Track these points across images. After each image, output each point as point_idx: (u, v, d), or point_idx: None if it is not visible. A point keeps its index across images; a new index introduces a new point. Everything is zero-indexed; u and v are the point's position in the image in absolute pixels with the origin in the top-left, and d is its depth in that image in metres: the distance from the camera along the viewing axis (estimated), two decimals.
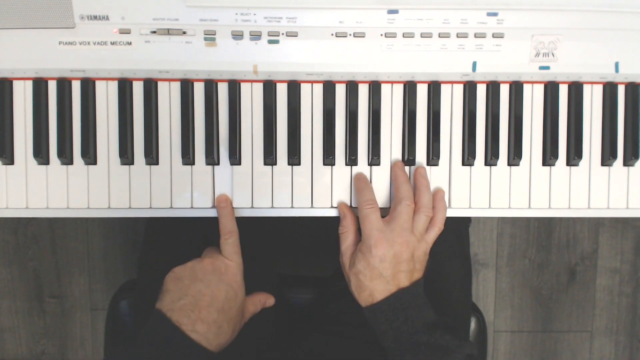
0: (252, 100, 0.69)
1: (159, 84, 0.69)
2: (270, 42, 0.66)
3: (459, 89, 0.70)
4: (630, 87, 0.71)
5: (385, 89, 0.70)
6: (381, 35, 0.66)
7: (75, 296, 1.47)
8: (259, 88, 0.69)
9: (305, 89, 0.69)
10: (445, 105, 0.70)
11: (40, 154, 0.68)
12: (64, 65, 0.66)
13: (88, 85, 0.68)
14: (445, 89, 0.70)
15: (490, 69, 0.68)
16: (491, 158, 0.70)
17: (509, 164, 0.71)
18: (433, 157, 0.70)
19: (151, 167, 0.69)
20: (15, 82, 0.68)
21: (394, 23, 0.65)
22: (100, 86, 0.68)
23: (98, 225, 1.46)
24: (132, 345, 0.60)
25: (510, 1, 0.65)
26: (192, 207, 0.69)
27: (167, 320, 0.59)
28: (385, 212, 0.67)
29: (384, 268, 0.62)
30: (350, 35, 0.66)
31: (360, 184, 0.68)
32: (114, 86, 0.68)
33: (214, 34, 0.65)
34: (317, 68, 0.67)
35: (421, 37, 0.66)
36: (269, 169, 0.70)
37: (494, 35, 0.66)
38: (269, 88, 0.69)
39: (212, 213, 0.69)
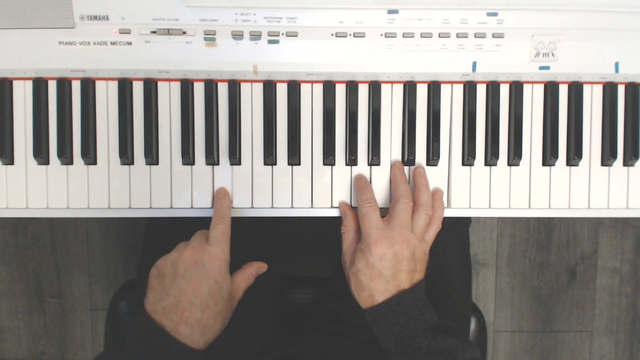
0: (252, 100, 0.69)
1: (159, 84, 0.69)
2: (270, 42, 0.66)
3: (459, 89, 0.70)
4: (630, 87, 0.71)
5: (385, 89, 0.70)
6: (381, 35, 0.66)
7: (75, 296, 1.47)
8: (259, 88, 0.69)
9: (305, 89, 0.70)
10: (445, 105, 0.70)
11: (40, 154, 0.68)
12: (64, 65, 0.66)
13: (88, 85, 0.68)
14: (445, 89, 0.70)
15: (490, 69, 0.68)
16: (491, 158, 0.70)
17: (509, 164, 0.71)
18: (433, 157, 0.70)
19: (151, 167, 0.69)
20: (15, 82, 0.68)
21: (394, 23, 0.65)
22: (100, 86, 0.68)
23: (98, 225, 1.46)
24: (120, 347, 0.59)
25: (510, 1, 0.65)
26: (192, 207, 0.69)
27: (152, 321, 0.58)
28: (385, 213, 0.67)
29: (384, 267, 0.62)
30: (350, 35, 0.66)
31: (359, 184, 0.68)
32: (114, 86, 0.68)
33: (214, 34, 0.65)
34: (317, 68, 0.67)
35: (421, 37, 0.66)
36: (269, 169, 0.70)
37: (494, 35, 0.66)
38: (269, 88, 0.69)
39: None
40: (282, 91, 0.69)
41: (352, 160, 0.69)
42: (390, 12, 0.65)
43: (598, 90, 0.71)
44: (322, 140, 0.70)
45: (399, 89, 0.70)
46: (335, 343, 0.76)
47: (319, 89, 0.70)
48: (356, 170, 0.70)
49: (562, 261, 1.51)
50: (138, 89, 0.69)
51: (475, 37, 0.66)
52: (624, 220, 1.50)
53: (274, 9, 0.64)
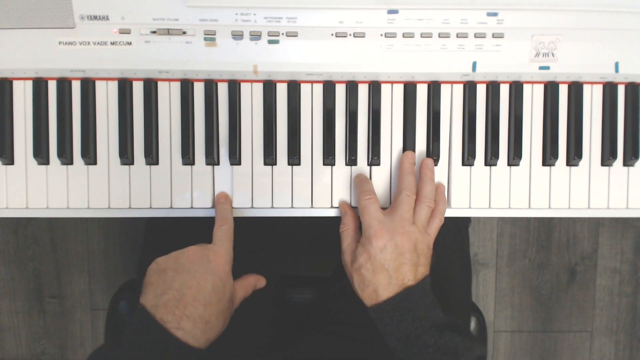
0: (252, 100, 0.69)
1: (159, 84, 0.69)
2: (270, 42, 0.66)
3: (459, 89, 0.70)
4: (630, 87, 0.71)
5: (385, 89, 0.70)
6: (381, 35, 0.66)
7: (75, 296, 1.47)
8: (259, 88, 0.69)
9: (305, 89, 0.70)
10: (445, 105, 0.70)
11: (40, 154, 0.68)
12: (64, 65, 0.66)
13: (88, 85, 0.68)
14: (445, 89, 0.70)
15: (490, 69, 0.68)
16: (491, 158, 0.70)
17: (509, 164, 0.71)
18: (433, 157, 0.70)
19: (151, 167, 0.69)
20: (15, 82, 0.68)
21: (394, 23, 0.65)
22: (100, 86, 0.68)
23: (98, 225, 1.46)
24: (117, 345, 0.57)
25: (510, 1, 0.65)
26: (192, 207, 0.69)
27: (150, 318, 0.56)
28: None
29: (386, 259, 0.61)
30: (350, 35, 0.66)
31: (358, 179, 0.68)
32: (114, 86, 0.68)
33: (214, 34, 0.65)
34: (317, 68, 0.67)
35: (421, 37, 0.66)
36: (269, 169, 0.70)
37: (494, 35, 0.66)
38: (269, 88, 0.69)
39: (212, 213, 0.69)
40: (282, 91, 0.69)
41: (352, 160, 0.69)
42: (390, 12, 0.65)
43: (598, 90, 0.71)
44: (322, 140, 0.70)
45: (399, 89, 0.70)
46: (335, 343, 0.76)
47: (319, 89, 0.70)
48: (356, 170, 0.70)
49: (562, 261, 1.51)
50: (138, 89, 0.69)
51: (475, 37, 0.66)
52: (624, 220, 1.50)
53: (274, 9, 0.64)
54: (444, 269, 0.78)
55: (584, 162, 0.71)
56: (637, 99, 0.71)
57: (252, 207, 0.70)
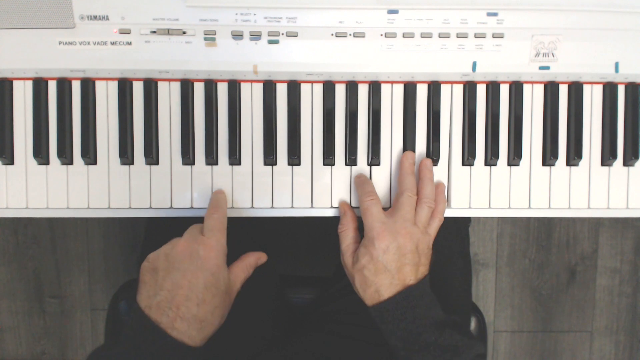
0: (252, 100, 0.69)
1: (159, 84, 0.69)
2: (270, 42, 0.66)
3: (459, 89, 0.70)
4: (630, 87, 0.71)
5: (385, 89, 0.70)
6: (381, 35, 0.66)
7: (75, 296, 1.47)
8: (259, 88, 0.69)
9: (305, 89, 0.70)
10: (445, 105, 0.70)
11: (40, 154, 0.68)
12: (64, 65, 0.66)
13: (88, 85, 0.68)
14: (445, 89, 0.70)
15: (490, 69, 0.68)
16: (491, 158, 0.70)
17: (509, 164, 0.71)
18: (433, 157, 0.70)
19: (151, 167, 0.69)
20: (15, 82, 0.68)
21: (394, 23, 0.65)
22: (100, 86, 0.68)
23: (98, 225, 1.46)
24: (114, 345, 0.57)
25: (510, 1, 0.65)
26: (192, 207, 0.69)
27: (146, 318, 0.56)
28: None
29: (388, 260, 0.61)
30: (350, 35, 0.66)
31: (359, 179, 0.68)
32: (114, 86, 0.68)
33: (214, 34, 0.65)
34: (317, 68, 0.67)
35: (421, 37, 0.66)
36: (269, 169, 0.70)
37: (494, 35, 0.66)
38: (269, 88, 0.69)
39: None
40: (282, 91, 0.69)
41: (352, 160, 0.69)
42: (390, 12, 0.65)
43: (598, 90, 0.71)
44: (322, 140, 0.70)
45: (399, 89, 0.70)
46: (335, 343, 0.76)
47: (319, 89, 0.70)
48: (356, 170, 0.70)
49: (562, 261, 1.51)
50: (138, 89, 0.69)
51: (475, 37, 0.66)
52: (624, 220, 1.50)
53: (274, 9, 0.64)
54: (444, 268, 0.78)
55: (584, 162, 0.71)
56: (637, 99, 0.71)
57: (252, 207, 0.70)
